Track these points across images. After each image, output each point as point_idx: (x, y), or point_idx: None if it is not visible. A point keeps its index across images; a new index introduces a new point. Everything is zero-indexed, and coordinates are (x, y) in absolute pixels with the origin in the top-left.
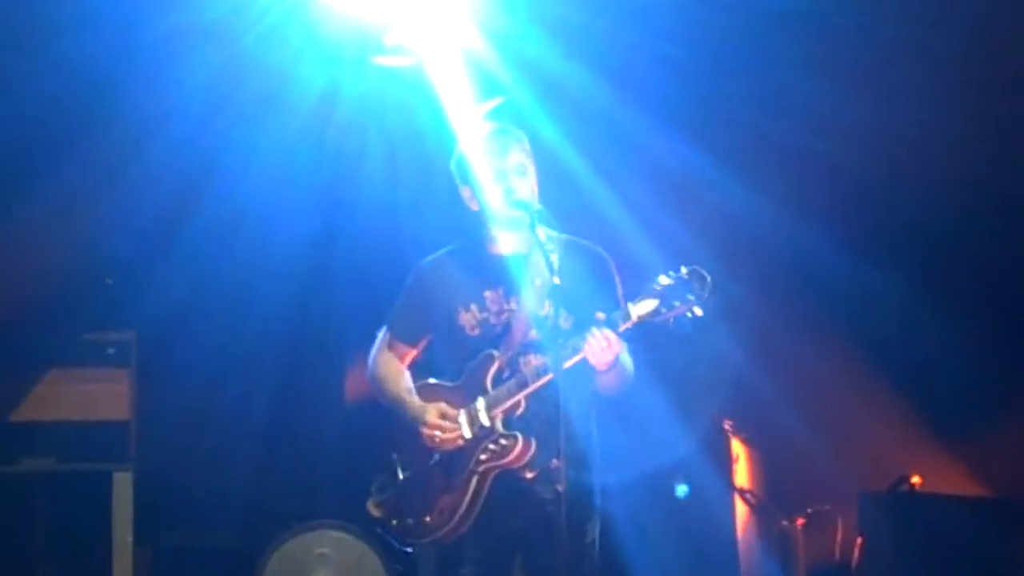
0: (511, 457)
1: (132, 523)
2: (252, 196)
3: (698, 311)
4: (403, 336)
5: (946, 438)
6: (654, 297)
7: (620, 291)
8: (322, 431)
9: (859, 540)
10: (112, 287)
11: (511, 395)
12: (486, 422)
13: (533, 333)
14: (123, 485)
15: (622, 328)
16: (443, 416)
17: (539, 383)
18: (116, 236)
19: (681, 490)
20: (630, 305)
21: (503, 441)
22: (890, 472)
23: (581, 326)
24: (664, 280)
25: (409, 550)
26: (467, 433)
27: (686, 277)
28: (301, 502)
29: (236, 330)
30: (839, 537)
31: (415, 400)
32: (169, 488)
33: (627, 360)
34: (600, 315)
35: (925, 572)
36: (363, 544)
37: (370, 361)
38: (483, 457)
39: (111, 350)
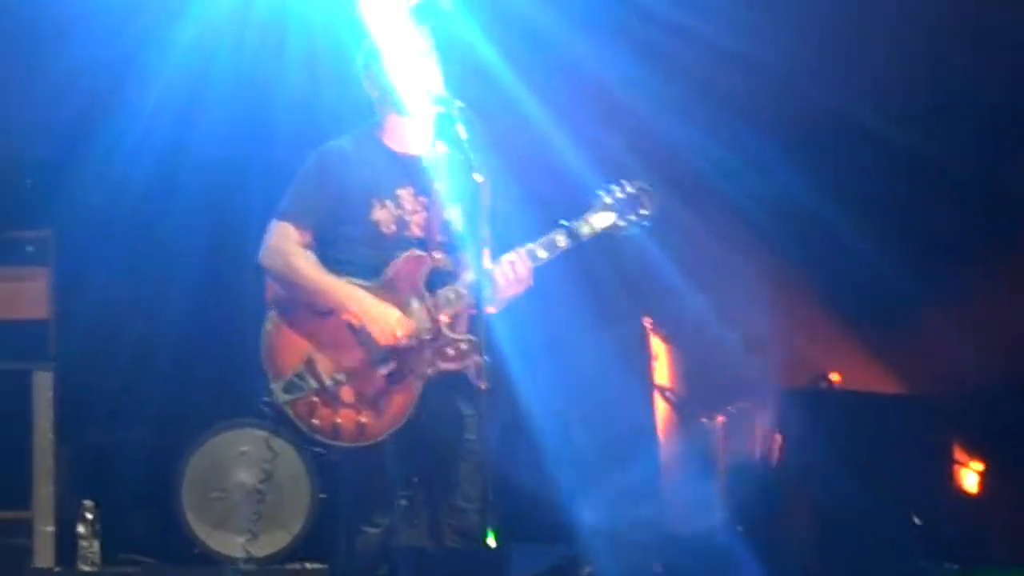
0: (468, 361)
1: (53, 422)
2: (169, 95)
3: (647, 226)
4: (304, 222)
5: (865, 336)
6: (610, 210)
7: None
8: (243, 331)
9: (778, 437)
10: (30, 187)
11: (460, 301)
12: (428, 325)
13: (442, 236)
14: (43, 384)
15: (584, 237)
16: (386, 314)
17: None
18: (33, 137)
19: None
20: (590, 217)
21: (463, 346)
22: (809, 370)
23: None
24: (613, 194)
25: (322, 451)
26: (401, 332)
27: (635, 192)
28: (224, 401)
29: (155, 229)
30: (759, 434)
31: (356, 288)
32: (89, 387)
33: None
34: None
35: (844, 469)
36: (284, 443)
37: (268, 253)
38: (439, 361)
39: (29, 248)
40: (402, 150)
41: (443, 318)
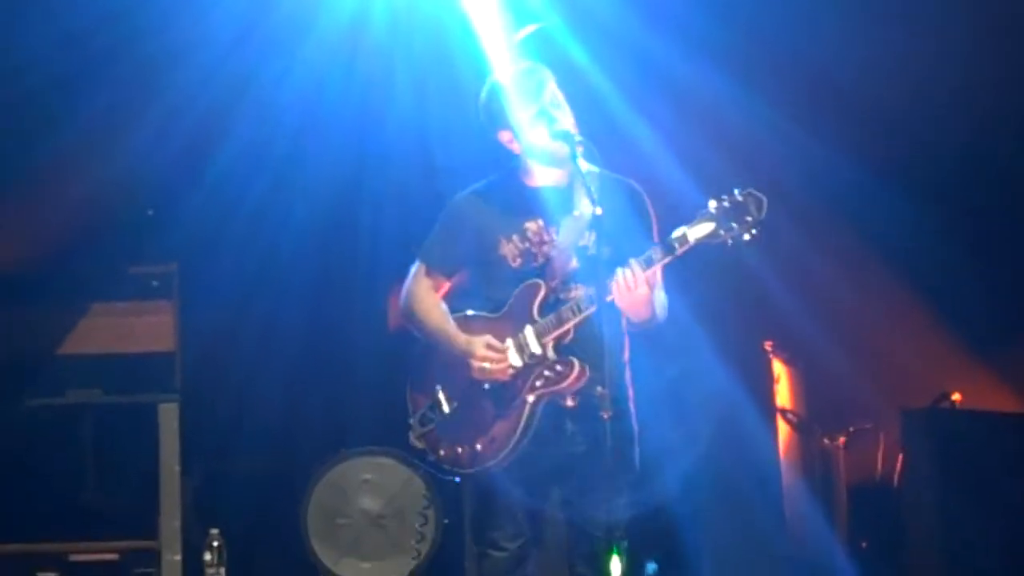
0: (568, 382)
1: (179, 453)
2: (282, 122)
3: (754, 232)
4: (440, 267)
5: (985, 354)
6: (710, 220)
7: (655, 225)
8: (362, 357)
9: (900, 457)
10: (152, 218)
11: (562, 323)
12: (537, 350)
13: (574, 263)
14: (169, 416)
15: (680, 251)
16: (490, 347)
17: (590, 311)
18: (151, 165)
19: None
20: (686, 229)
21: (559, 367)
22: (931, 390)
23: (620, 258)
24: (719, 203)
25: (457, 480)
26: (517, 361)
27: (742, 200)
28: (343, 428)
29: (272, 258)
30: (881, 455)
31: (459, 333)
32: (213, 418)
33: (660, 297)
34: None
35: (966, 488)
36: (407, 469)
37: (404, 294)
38: (538, 383)
39: (155, 283)
40: (533, 184)
41: (548, 342)
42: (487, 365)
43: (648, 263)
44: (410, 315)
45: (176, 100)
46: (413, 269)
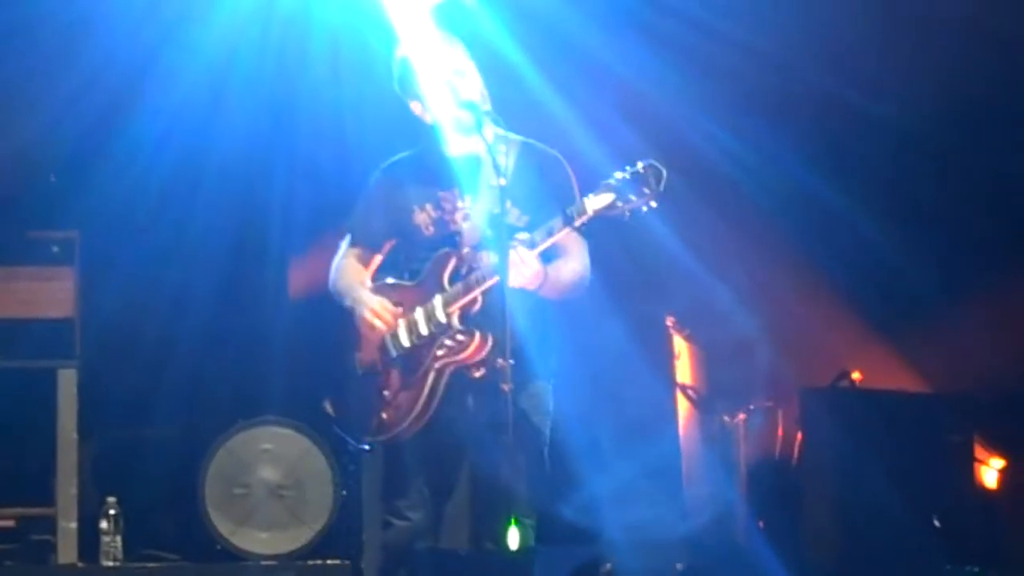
0: (468, 352)
1: (77, 419)
2: (193, 92)
3: (653, 204)
4: (365, 241)
5: (886, 334)
6: (610, 191)
7: (578, 193)
8: (265, 327)
9: (799, 435)
10: (55, 185)
11: (467, 292)
12: (443, 319)
13: (487, 232)
14: (68, 382)
15: (578, 222)
16: (383, 306)
17: (494, 280)
18: (57, 134)
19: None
20: (585, 200)
21: (460, 337)
22: (831, 368)
23: (535, 226)
24: (619, 175)
25: (367, 448)
26: (424, 330)
27: (641, 171)
28: (245, 398)
29: (177, 227)
30: (780, 432)
31: (363, 288)
32: (113, 385)
33: (571, 267)
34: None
35: (864, 467)
36: (307, 440)
37: (332, 269)
38: (440, 353)
39: (55, 248)
40: (449, 153)
41: (453, 311)
42: (377, 322)
43: (548, 234)
44: (333, 287)
45: (85, 69)
46: (343, 245)
